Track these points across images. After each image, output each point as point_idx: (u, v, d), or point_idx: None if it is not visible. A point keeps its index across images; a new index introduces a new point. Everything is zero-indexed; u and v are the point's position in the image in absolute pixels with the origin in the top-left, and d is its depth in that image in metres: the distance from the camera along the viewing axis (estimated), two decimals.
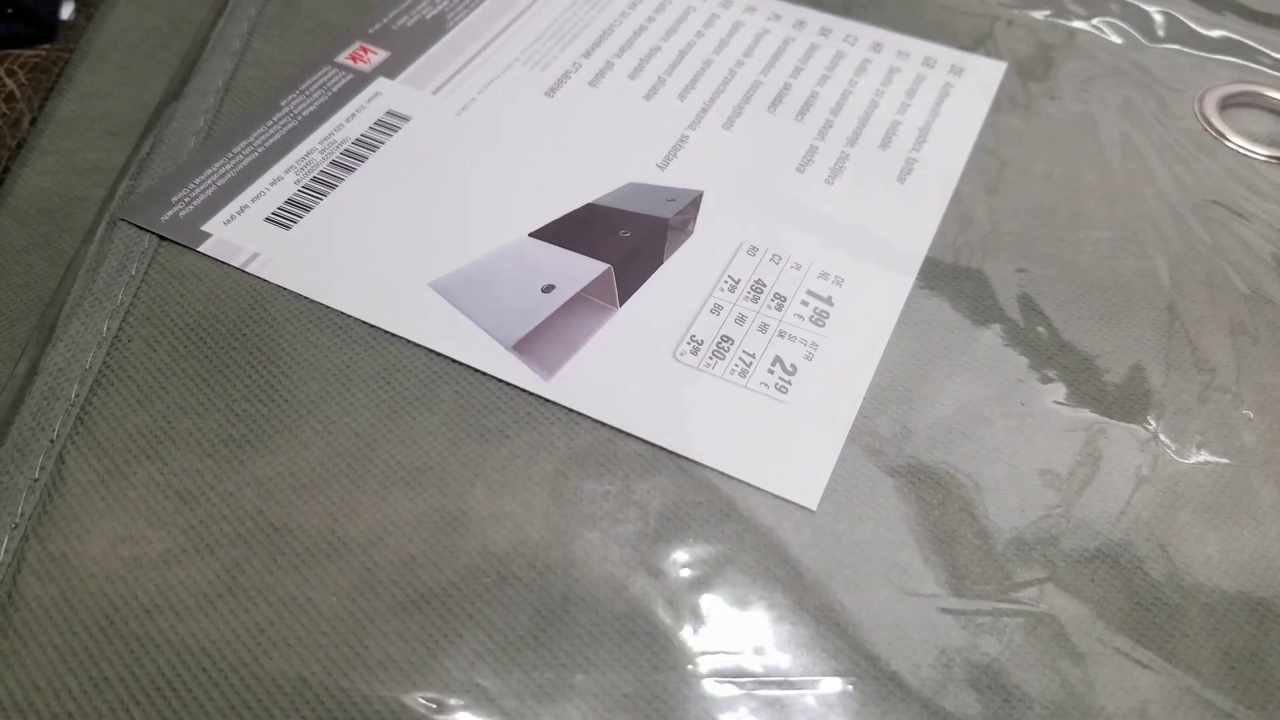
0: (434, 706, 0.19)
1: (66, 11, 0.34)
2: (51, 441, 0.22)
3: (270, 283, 0.26)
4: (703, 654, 0.20)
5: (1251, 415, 0.24)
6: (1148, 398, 0.25)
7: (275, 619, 0.20)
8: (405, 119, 0.31)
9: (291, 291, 0.26)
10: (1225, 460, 0.23)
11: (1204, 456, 0.24)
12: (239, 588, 0.20)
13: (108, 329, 0.25)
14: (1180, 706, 0.19)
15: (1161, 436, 0.24)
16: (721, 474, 0.23)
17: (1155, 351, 0.26)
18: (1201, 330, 0.26)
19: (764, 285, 0.27)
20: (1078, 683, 0.20)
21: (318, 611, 0.20)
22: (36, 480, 0.22)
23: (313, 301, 0.26)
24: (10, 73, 0.30)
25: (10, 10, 0.33)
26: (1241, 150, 0.32)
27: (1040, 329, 0.26)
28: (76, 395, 0.23)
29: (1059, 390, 0.25)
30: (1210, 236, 0.29)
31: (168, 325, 0.25)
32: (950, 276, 0.28)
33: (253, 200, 0.28)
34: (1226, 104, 0.34)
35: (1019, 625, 0.21)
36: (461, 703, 0.19)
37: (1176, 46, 0.35)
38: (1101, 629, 0.21)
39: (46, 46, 0.31)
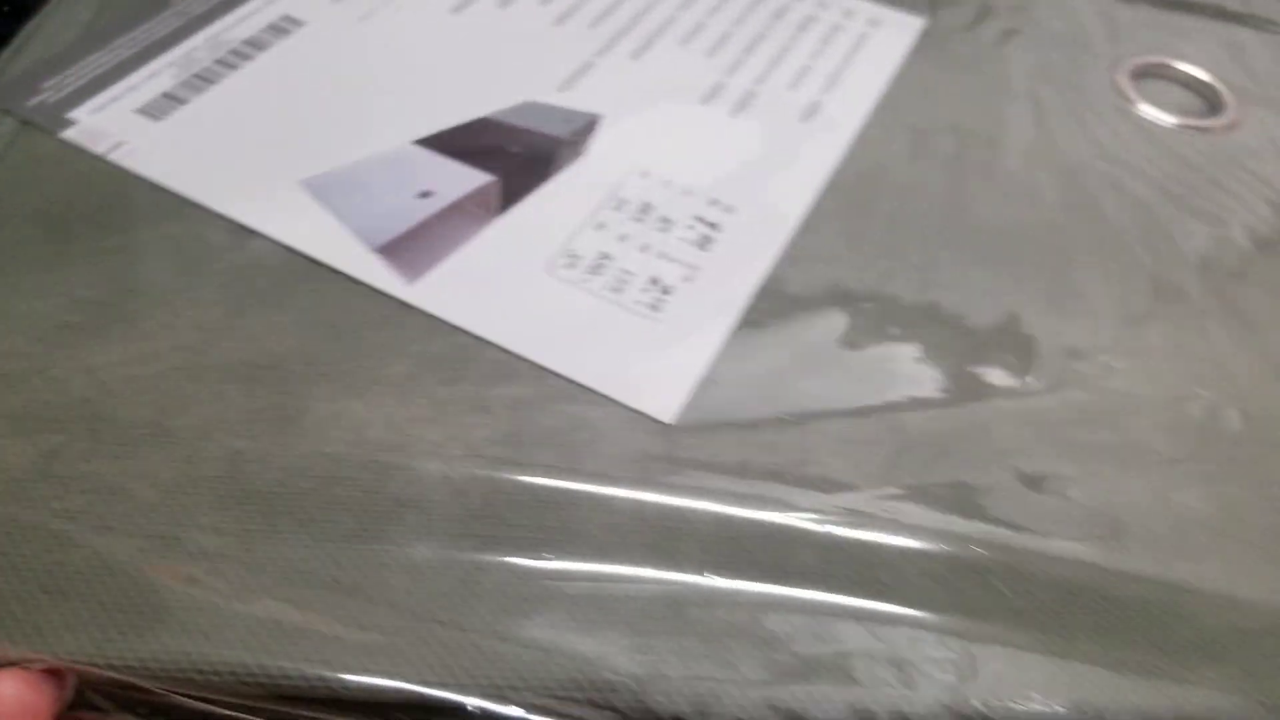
0: (243, 600, 0.18)
1: None
2: None
3: (132, 173, 0.25)
4: (538, 557, 0.19)
5: (1115, 365, 0.24)
6: (1020, 338, 0.24)
7: (87, 506, 0.19)
8: (300, 23, 0.30)
9: (154, 183, 0.25)
10: (1092, 398, 0.23)
11: (1072, 394, 0.23)
12: (53, 474, 0.19)
13: None
14: None
15: (1028, 376, 0.23)
16: (579, 385, 0.22)
17: (1036, 296, 0.25)
18: (1088, 280, 0.26)
19: (651, 207, 0.26)
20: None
21: (133, 501, 0.19)
22: None
23: (176, 194, 0.25)
24: None
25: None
26: (1150, 118, 0.31)
27: (924, 270, 0.26)
28: None
29: (929, 328, 0.24)
30: (1108, 194, 0.28)
31: (16, 207, 0.24)
32: (843, 213, 0.27)
33: (126, 91, 0.27)
34: (1140, 73, 0.33)
35: (859, 541, 0.20)
36: (273, 600, 0.18)
37: (1096, 13, 0.35)
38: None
39: None
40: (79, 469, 0.19)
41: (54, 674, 0.17)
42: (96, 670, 0.17)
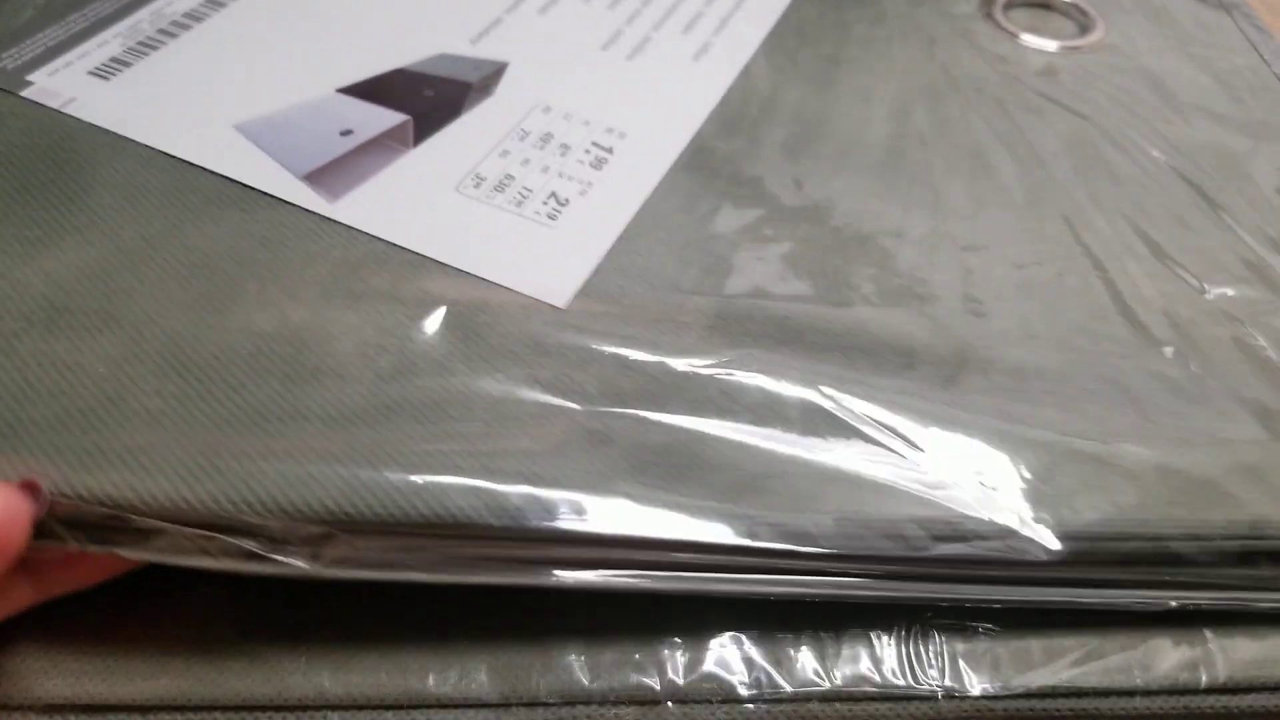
0: (181, 445, 0.21)
1: None
2: None
3: (84, 121, 0.28)
4: (440, 411, 0.22)
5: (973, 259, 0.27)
6: (882, 233, 0.27)
7: (44, 376, 0.22)
8: None
9: (103, 129, 0.28)
10: (942, 274, 0.26)
11: (928, 274, 0.26)
12: (13, 352, 0.22)
13: None
14: None
15: (886, 270, 0.27)
16: (482, 279, 0.25)
17: (901, 198, 0.28)
18: (949, 182, 0.29)
19: (552, 136, 0.29)
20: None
21: (84, 372, 0.22)
22: None
23: (121, 136, 0.28)
24: None
25: None
26: (1027, 44, 0.34)
27: (798, 179, 0.29)
28: None
29: (800, 227, 0.27)
30: (979, 111, 0.32)
31: None
32: (726, 134, 0.30)
33: (79, 58, 0.30)
34: (1011, 3, 0.37)
35: (720, 382, 0.23)
36: (206, 445, 0.21)
37: None
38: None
39: None
40: (39, 348, 0.22)
41: (30, 488, 0.19)
42: (61, 499, 0.20)
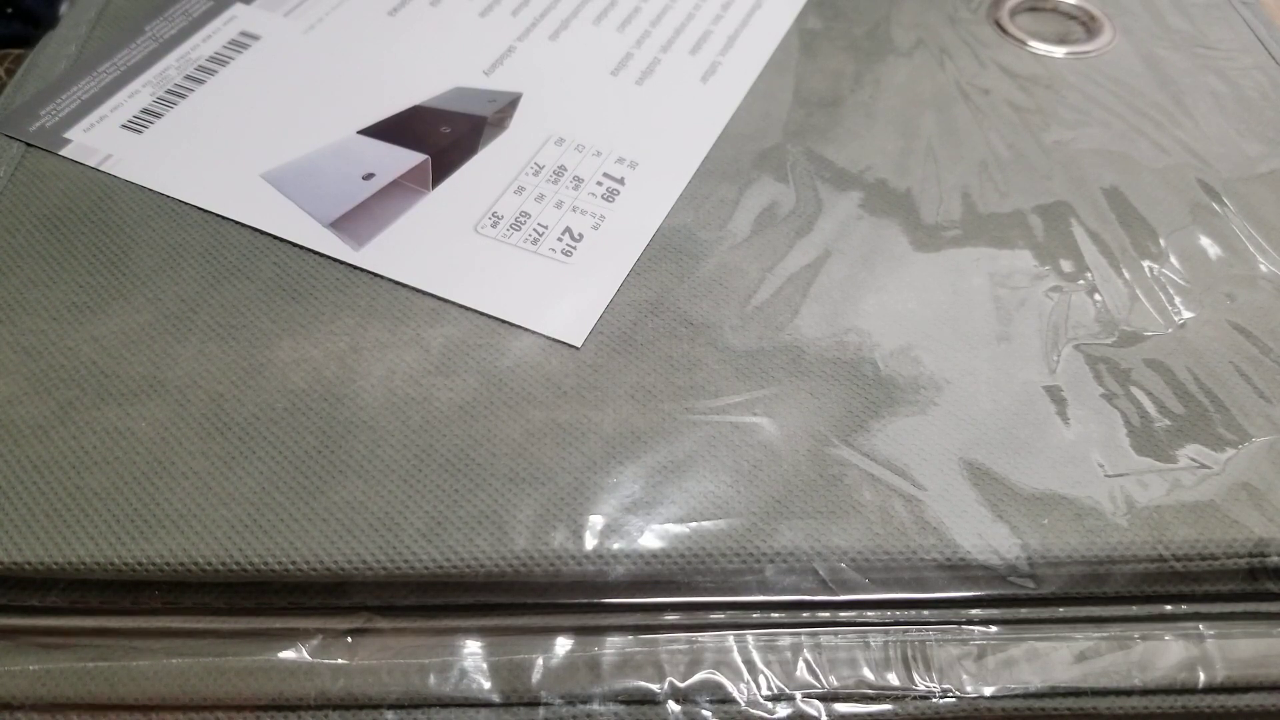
0: (228, 507, 0.22)
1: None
2: None
3: (119, 178, 0.29)
4: (466, 459, 0.23)
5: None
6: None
7: (99, 444, 0.23)
8: (256, 38, 0.34)
9: (138, 185, 0.29)
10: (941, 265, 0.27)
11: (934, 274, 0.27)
12: (70, 420, 0.24)
13: None
14: None
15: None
16: (502, 321, 0.26)
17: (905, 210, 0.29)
18: (947, 188, 0.30)
19: (565, 169, 0.30)
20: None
21: (135, 437, 0.24)
22: None
23: (155, 193, 0.29)
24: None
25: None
26: (1035, 50, 0.35)
27: (804, 209, 0.29)
28: None
29: (807, 248, 0.28)
30: (980, 118, 0.32)
31: (27, 216, 0.28)
32: (732, 160, 0.31)
33: (111, 111, 0.32)
34: (1018, 9, 0.37)
35: (738, 427, 0.24)
36: (251, 506, 0.22)
37: None
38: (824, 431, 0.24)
39: None
40: (91, 415, 0.24)
41: None
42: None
